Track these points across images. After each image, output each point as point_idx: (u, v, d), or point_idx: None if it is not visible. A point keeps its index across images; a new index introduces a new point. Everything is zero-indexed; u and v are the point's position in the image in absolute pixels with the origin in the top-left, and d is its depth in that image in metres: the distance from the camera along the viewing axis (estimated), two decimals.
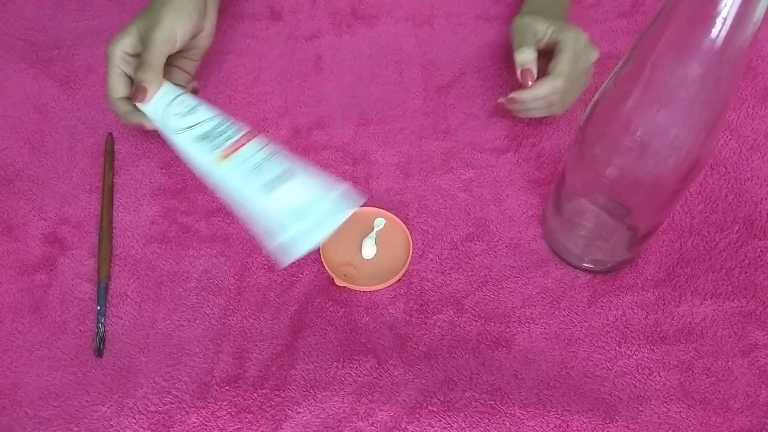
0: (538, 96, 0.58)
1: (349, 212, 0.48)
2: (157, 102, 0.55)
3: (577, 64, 0.58)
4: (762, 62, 0.67)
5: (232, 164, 0.50)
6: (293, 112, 0.66)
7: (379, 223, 0.58)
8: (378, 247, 0.57)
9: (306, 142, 0.64)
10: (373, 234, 0.57)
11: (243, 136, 0.52)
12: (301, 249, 0.47)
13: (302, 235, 0.47)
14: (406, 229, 0.57)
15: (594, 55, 0.59)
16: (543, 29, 0.60)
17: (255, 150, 0.51)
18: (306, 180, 0.49)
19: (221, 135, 0.51)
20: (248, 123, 0.64)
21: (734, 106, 0.65)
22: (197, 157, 0.51)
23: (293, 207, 0.48)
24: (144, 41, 0.56)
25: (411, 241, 0.56)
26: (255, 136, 0.52)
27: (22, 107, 0.65)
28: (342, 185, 0.49)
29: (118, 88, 0.57)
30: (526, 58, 0.58)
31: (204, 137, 0.51)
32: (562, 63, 0.57)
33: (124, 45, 0.56)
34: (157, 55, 0.56)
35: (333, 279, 0.55)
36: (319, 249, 0.56)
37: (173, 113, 0.54)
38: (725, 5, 0.35)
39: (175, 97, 0.56)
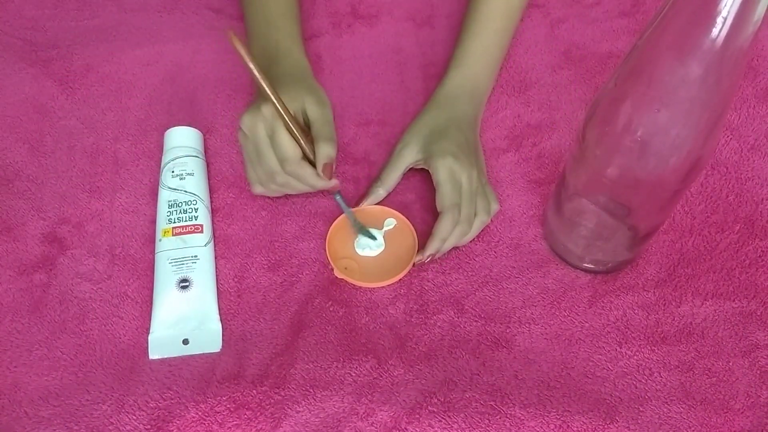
0: (444, 236, 0.54)
1: (214, 350, 0.53)
2: None
3: (460, 188, 0.55)
4: (762, 62, 0.67)
5: (168, 244, 0.55)
6: None
7: (390, 223, 0.58)
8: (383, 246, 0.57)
9: None
10: (380, 231, 0.57)
11: (193, 225, 0.56)
12: (158, 353, 0.52)
13: (164, 342, 0.52)
14: (414, 233, 0.57)
15: (473, 175, 0.56)
16: (413, 155, 0.58)
17: (187, 243, 0.55)
18: (200, 297, 0.54)
19: (183, 212, 0.56)
20: None
21: (735, 106, 0.65)
22: (159, 217, 0.57)
23: (177, 314, 0.53)
24: (312, 114, 0.53)
25: (417, 246, 0.56)
26: (201, 231, 0.56)
27: (22, 107, 0.65)
28: (218, 324, 0.53)
29: (294, 147, 0.52)
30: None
31: (172, 204, 0.57)
32: (444, 197, 0.54)
33: (293, 107, 0.53)
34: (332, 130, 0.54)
35: (333, 270, 0.55)
36: (321, 240, 0.57)
37: (171, 169, 0.58)
38: (725, 5, 0.35)
39: (179, 157, 0.59)
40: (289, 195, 0.60)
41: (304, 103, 0.53)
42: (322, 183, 0.54)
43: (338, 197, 0.56)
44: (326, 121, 0.53)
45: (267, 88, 0.49)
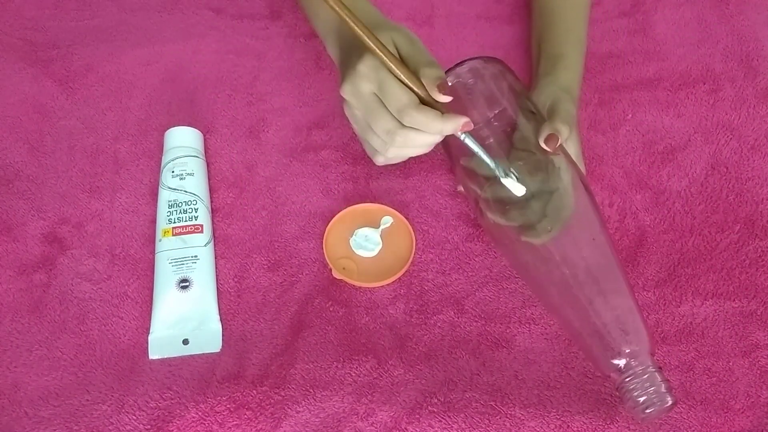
0: (568, 126, 0.51)
1: (214, 350, 0.52)
2: None
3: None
4: (762, 62, 0.67)
5: (168, 244, 0.55)
6: (293, 112, 0.66)
7: (387, 221, 0.58)
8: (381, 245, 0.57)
9: (306, 141, 0.64)
10: (376, 230, 0.57)
11: (193, 225, 0.56)
12: (158, 353, 0.52)
13: (164, 343, 0.52)
14: (411, 230, 0.57)
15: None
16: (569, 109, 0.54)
17: (187, 243, 0.55)
18: (200, 298, 0.54)
19: (183, 212, 0.56)
20: (248, 123, 0.64)
21: (735, 106, 0.65)
22: (159, 217, 0.57)
23: (177, 314, 0.53)
24: (405, 50, 0.50)
25: (414, 243, 0.56)
26: (201, 231, 0.56)
27: (21, 107, 0.65)
28: (218, 324, 0.53)
29: (408, 92, 0.47)
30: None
31: (172, 204, 0.56)
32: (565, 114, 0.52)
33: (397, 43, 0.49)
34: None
35: (331, 270, 0.55)
36: (321, 240, 0.57)
37: (171, 169, 0.58)
38: None
39: (179, 157, 0.59)
40: (289, 195, 0.60)
41: (394, 43, 0.49)
42: (450, 123, 0.48)
43: (468, 138, 0.49)
44: (421, 50, 0.49)
45: (365, 35, 0.46)
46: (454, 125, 0.48)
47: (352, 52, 0.52)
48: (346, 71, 0.50)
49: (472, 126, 0.49)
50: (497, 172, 0.50)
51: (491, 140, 0.51)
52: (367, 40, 0.47)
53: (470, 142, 0.50)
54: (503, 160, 0.50)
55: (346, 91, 0.50)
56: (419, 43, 0.51)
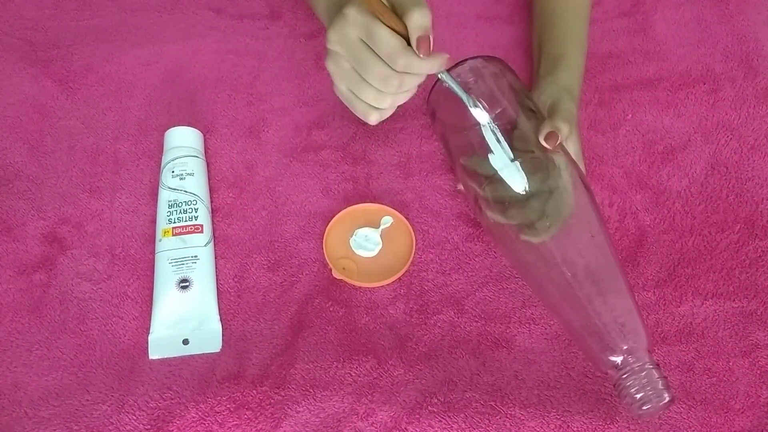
0: (568, 124, 0.51)
1: (214, 350, 0.52)
2: None
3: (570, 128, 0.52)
4: (762, 62, 0.67)
5: (168, 244, 0.55)
6: (293, 112, 0.66)
7: (387, 221, 0.58)
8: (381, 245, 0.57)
9: (306, 141, 0.64)
10: (376, 230, 0.57)
11: (193, 225, 0.56)
12: (158, 353, 0.52)
13: (164, 342, 0.52)
14: (411, 231, 0.57)
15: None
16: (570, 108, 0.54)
17: (187, 243, 0.55)
18: (200, 298, 0.54)
19: (183, 212, 0.56)
20: (248, 123, 0.64)
21: (735, 106, 0.65)
22: (159, 217, 0.57)
23: (177, 314, 0.53)
24: None
25: (414, 243, 0.56)
26: (201, 231, 0.56)
27: (21, 107, 0.65)
28: (218, 324, 0.53)
29: (398, 37, 0.45)
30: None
31: (172, 204, 0.56)
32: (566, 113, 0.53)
33: None
34: None
35: (331, 270, 0.55)
36: (321, 240, 0.57)
37: (171, 169, 0.58)
38: None
39: (179, 157, 0.58)
40: (289, 195, 0.60)
41: None
42: (430, 63, 0.47)
43: (444, 74, 0.49)
44: None
45: None
46: (434, 64, 0.47)
47: (340, 6, 0.50)
48: (332, 21, 0.48)
49: (451, 63, 0.48)
50: (474, 110, 0.50)
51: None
52: None
53: (449, 80, 0.49)
54: (478, 101, 0.50)
55: (333, 41, 0.48)
56: None
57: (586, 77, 0.65)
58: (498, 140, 0.50)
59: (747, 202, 0.59)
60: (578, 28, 0.64)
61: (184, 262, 0.54)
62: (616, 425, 0.48)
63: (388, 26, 0.46)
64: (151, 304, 0.54)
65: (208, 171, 0.61)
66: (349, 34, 0.47)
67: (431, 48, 0.46)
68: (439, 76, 0.50)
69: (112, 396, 0.50)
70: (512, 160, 0.50)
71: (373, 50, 0.47)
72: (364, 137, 0.64)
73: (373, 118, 0.52)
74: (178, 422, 0.48)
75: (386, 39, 0.46)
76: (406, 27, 0.46)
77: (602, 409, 0.49)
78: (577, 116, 0.58)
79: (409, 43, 0.47)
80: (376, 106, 0.51)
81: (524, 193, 0.50)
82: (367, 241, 0.56)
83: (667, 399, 0.45)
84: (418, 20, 0.45)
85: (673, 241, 0.57)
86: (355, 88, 0.50)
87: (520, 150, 0.50)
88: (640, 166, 0.61)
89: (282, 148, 0.63)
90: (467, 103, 0.50)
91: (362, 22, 0.46)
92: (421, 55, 0.46)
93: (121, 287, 0.55)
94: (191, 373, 0.51)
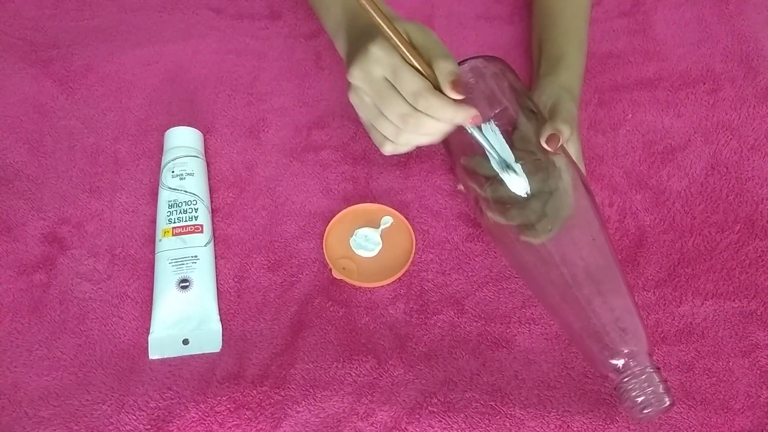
0: (569, 125, 0.51)
1: (215, 350, 0.52)
2: None
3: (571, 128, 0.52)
4: (762, 62, 0.67)
5: (168, 244, 0.55)
6: (293, 112, 0.66)
7: (387, 221, 0.58)
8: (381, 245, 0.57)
9: (306, 141, 0.64)
10: (376, 230, 0.57)
11: (193, 225, 0.56)
12: (158, 353, 0.52)
13: (164, 342, 0.52)
14: (411, 231, 0.57)
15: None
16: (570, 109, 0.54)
17: (187, 244, 0.55)
18: (200, 298, 0.54)
19: (183, 212, 0.56)
20: (248, 123, 0.64)
21: (735, 106, 0.65)
22: (159, 217, 0.57)
23: (177, 314, 0.53)
24: (418, 39, 0.49)
25: (414, 243, 0.56)
26: (201, 231, 0.56)
27: (21, 107, 0.65)
28: (218, 324, 0.53)
29: (421, 77, 0.47)
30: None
31: (172, 204, 0.56)
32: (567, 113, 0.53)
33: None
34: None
35: (331, 270, 0.55)
36: (321, 240, 0.57)
37: (171, 169, 0.58)
38: None
39: (179, 157, 0.58)
40: (289, 195, 0.60)
41: (407, 33, 0.49)
42: (462, 113, 0.48)
43: (476, 131, 0.50)
44: (436, 42, 0.49)
45: (379, 18, 0.46)
46: (466, 115, 0.48)
47: (363, 39, 0.51)
48: (356, 56, 0.49)
49: (481, 120, 0.49)
50: (501, 169, 0.50)
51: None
52: (383, 25, 0.46)
53: (478, 136, 0.50)
54: (510, 156, 0.50)
55: (356, 76, 0.49)
56: (434, 35, 0.50)
57: (586, 77, 0.65)
58: (499, 141, 0.50)
59: (747, 202, 0.59)
60: (578, 28, 0.64)
61: (184, 262, 0.54)
62: (616, 425, 0.48)
63: (413, 67, 0.47)
64: (151, 304, 0.54)
65: (208, 171, 0.61)
66: (373, 72, 0.48)
67: (462, 90, 0.47)
68: (468, 129, 0.50)
69: (112, 396, 0.50)
70: (513, 162, 0.50)
71: (395, 88, 0.48)
72: (364, 137, 0.64)
73: (389, 149, 0.53)
74: (178, 422, 0.48)
75: (411, 78, 0.47)
76: (429, 66, 0.48)
77: (602, 410, 0.49)
78: (578, 117, 0.58)
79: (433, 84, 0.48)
80: (393, 141, 0.52)
81: (525, 194, 0.50)
82: (367, 241, 0.56)
83: (668, 403, 0.45)
84: (448, 67, 0.47)
85: (673, 241, 0.57)
86: (373, 121, 0.51)
87: (521, 150, 0.50)
88: (640, 166, 0.61)
89: (282, 148, 0.63)
90: (500, 168, 0.50)
91: (387, 61, 0.47)
92: (454, 97, 0.47)
93: (121, 287, 0.55)
94: (191, 373, 0.51)
